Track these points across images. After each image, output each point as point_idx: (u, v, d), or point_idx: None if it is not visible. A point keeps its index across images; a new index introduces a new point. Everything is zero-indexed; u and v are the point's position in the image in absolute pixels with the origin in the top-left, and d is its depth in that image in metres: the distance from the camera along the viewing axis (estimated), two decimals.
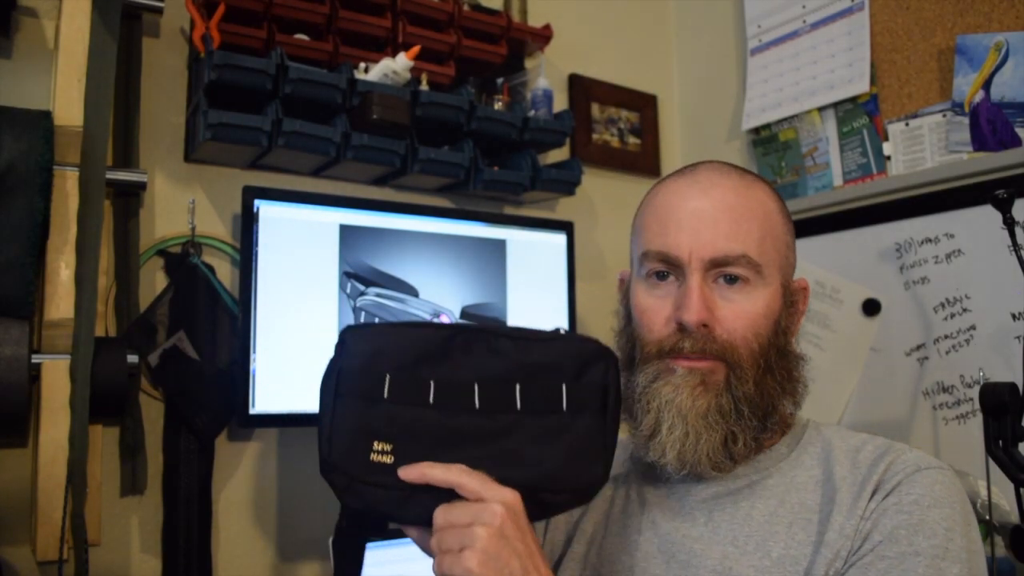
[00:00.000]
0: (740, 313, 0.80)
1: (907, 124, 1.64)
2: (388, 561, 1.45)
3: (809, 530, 0.77)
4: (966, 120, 1.53)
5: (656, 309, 0.82)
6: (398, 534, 1.49)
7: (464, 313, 1.57)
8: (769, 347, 0.81)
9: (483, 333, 0.74)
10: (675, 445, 0.79)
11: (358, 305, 1.47)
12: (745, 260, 0.80)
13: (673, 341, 0.80)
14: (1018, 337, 1.43)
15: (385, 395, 0.72)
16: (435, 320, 1.54)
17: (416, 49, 1.49)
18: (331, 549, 1.42)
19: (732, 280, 0.80)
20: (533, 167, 1.70)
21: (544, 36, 1.76)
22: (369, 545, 1.45)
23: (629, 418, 0.84)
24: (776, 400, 0.82)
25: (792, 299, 0.86)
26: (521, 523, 0.69)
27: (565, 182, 1.74)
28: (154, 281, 1.43)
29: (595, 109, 2.00)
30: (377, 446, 0.71)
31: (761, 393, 0.80)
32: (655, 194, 0.87)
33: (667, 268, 0.83)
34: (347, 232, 1.48)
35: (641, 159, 2.08)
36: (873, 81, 1.70)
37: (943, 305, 1.54)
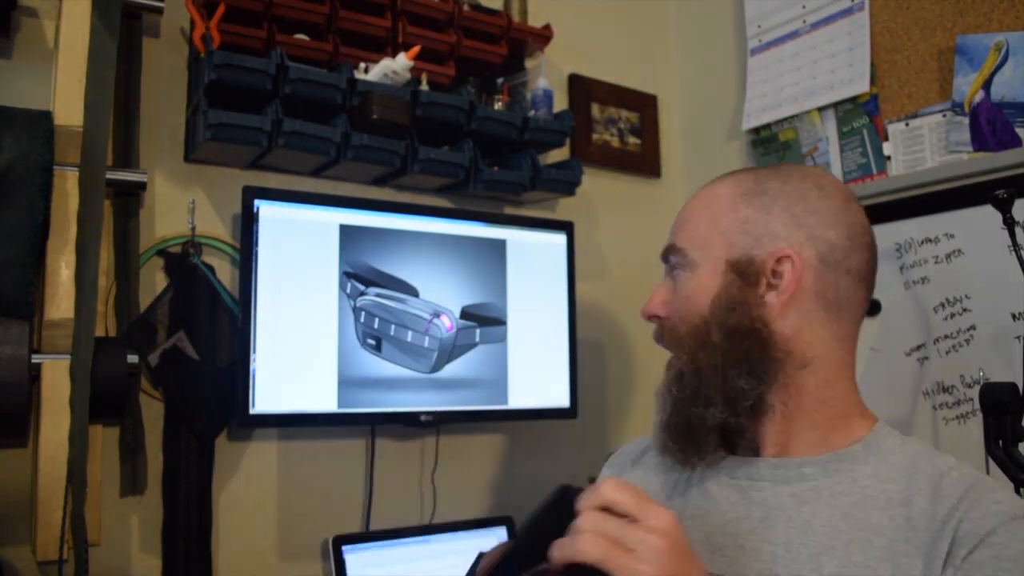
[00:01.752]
0: (679, 297, 0.87)
1: (907, 124, 1.64)
2: (388, 561, 1.45)
3: (869, 553, 0.73)
4: (966, 120, 1.53)
5: None
6: (398, 534, 1.49)
7: (464, 313, 1.57)
8: (704, 324, 0.83)
9: None
10: (653, 430, 0.87)
11: (358, 305, 1.47)
12: (672, 249, 0.88)
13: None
14: (1018, 337, 1.43)
15: None
16: (435, 320, 1.54)
17: (416, 49, 1.49)
18: None
19: (674, 270, 0.88)
20: (533, 167, 1.70)
21: (544, 36, 1.76)
22: (369, 545, 1.46)
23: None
24: (720, 375, 0.81)
25: (755, 271, 0.82)
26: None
27: (565, 182, 1.74)
28: (154, 281, 1.43)
29: (595, 109, 2.00)
30: None
31: (696, 368, 0.82)
32: None
33: None
34: (347, 232, 1.48)
35: (641, 159, 2.07)
36: (873, 81, 1.70)
37: (943, 305, 1.54)
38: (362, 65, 1.51)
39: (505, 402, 1.61)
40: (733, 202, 0.86)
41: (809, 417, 0.82)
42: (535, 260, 1.68)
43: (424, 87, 1.55)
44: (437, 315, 1.55)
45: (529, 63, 1.84)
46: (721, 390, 0.81)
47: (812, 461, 0.81)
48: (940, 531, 0.72)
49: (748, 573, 0.77)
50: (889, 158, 1.67)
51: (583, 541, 0.62)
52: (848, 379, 0.84)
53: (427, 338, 1.53)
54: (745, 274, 0.82)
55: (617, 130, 2.04)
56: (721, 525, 0.82)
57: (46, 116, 1.18)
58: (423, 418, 1.52)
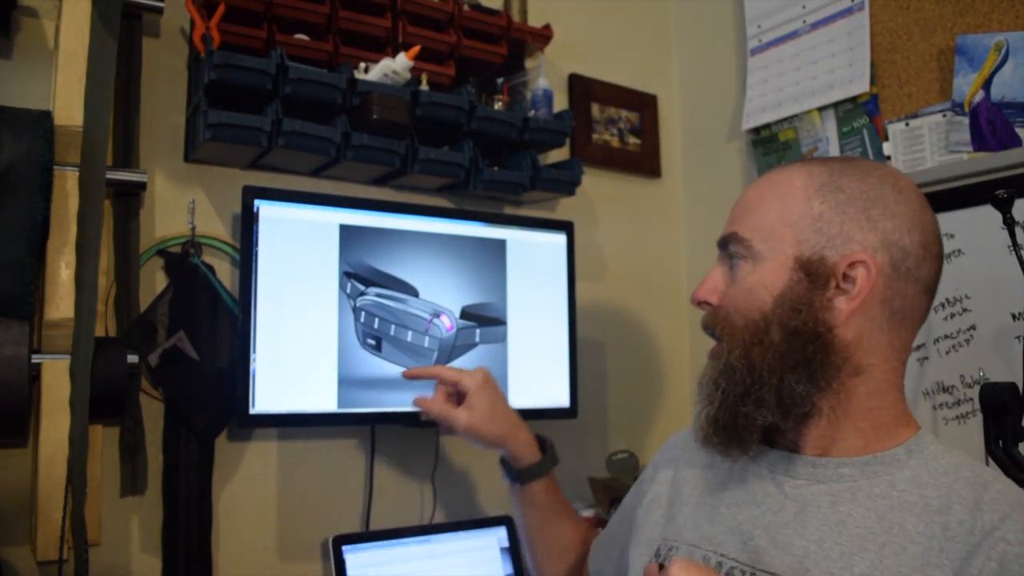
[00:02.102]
0: (736, 288, 0.84)
1: (907, 124, 1.64)
2: (388, 561, 1.45)
3: (901, 559, 0.72)
4: (966, 120, 1.53)
5: None
6: (398, 534, 1.49)
7: (464, 313, 1.57)
8: (763, 321, 0.80)
9: None
10: (695, 419, 0.86)
11: (358, 305, 1.47)
12: (734, 238, 0.85)
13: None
14: (1018, 337, 1.43)
15: None
16: (435, 320, 1.54)
17: (416, 49, 1.49)
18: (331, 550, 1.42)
19: (734, 259, 0.85)
20: (533, 167, 1.70)
21: (544, 36, 1.76)
22: (369, 545, 1.45)
23: None
24: (776, 377, 0.79)
25: (823, 273, 0.80)
26: None
27: (565, 182, 1.74)
28: (154, 281, 1.43)
29: (595, 109, 2.00)
30: None
31: (749, 365, 0.80)
32: None
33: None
34: (347, 232, 1.48)
35: (641, 159, 2.08)
36: (873, 81, 1.70)
37: (943, 305, 1.54)
38: (362, 65, 1.51)
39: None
40: (806, 195, 0.82)
41: (854, 424, 0.81)
42: (535, 260, 1.68)
43: (424, 87, 1.55)
44: (437, 315, 1.55)
45: (529, 63, 1.84)
46: (776, 393, 0.79)
47: (850, 462, 0.80)
48: (978, 546, 0.70)
49: (777, 565, 0.77)
50: (889, 158, 1.67)
51: None
52: (898, 389, 0.83)
53: (427, 338, 1.53)
54: (815, 275, 0.80)
55: (617, 130, 2.04)
56: (755, 516, 0.82)
57: (46, 116, 1.18)
58: (423, 418, 1.52)
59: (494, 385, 1.23)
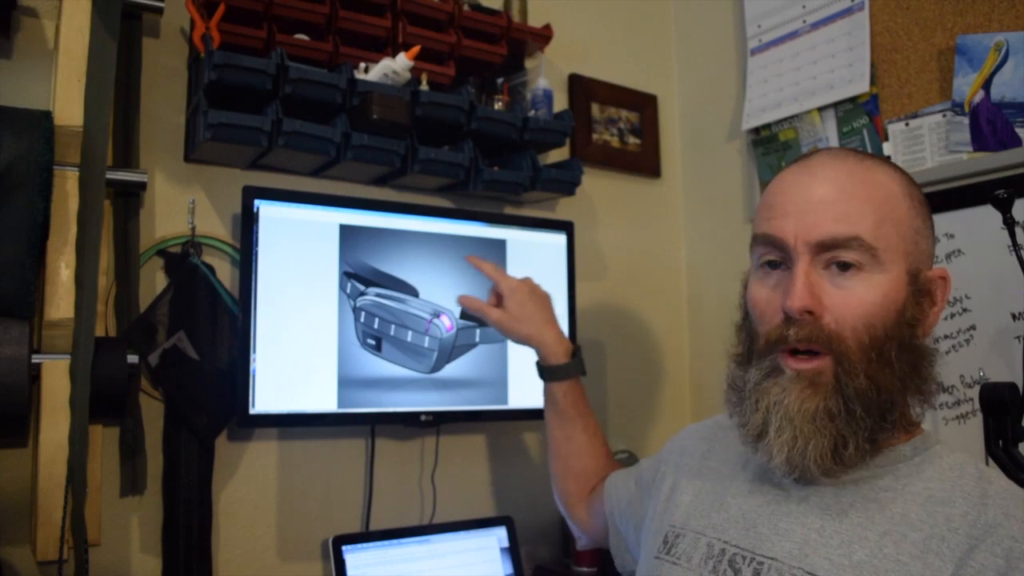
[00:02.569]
0: (852, 301, 0.76)
1: (907, 124, 1.64)
2: (388, 561, 1.45)
3: (901, 547, 0.72)
4: (966, 120, 1.53)
5: (767, 299, 0.81)
6: (398, 534, 1.49)
7: (464, 313, 1.57)
8: (886, 339, 0.76)
9: None
10: (783, 449, 0.76)
11: (358, 305, 1.47)
12: (857, 243, 0.75)
13: (780, 331, 0.77)
14: (1018, 337, 1.43)
15: None
16: (435, 320, 1.54)
17: (416, 49, 1.49)
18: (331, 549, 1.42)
19: (845, 267, 0.76)
20: (533, 167, 1.69)
21: (544, 36, 1.76)
22: (369, 545, 1.45)
23: (737, 413, 0.83)
24: (896, 396, 0.77)
25: (923, 289, 0.79)
26: None
27: (565, 182, 1.74)
28: (154, 281, 1.43)
29: (595, 109, 2.00)
30: None
31: (876, 388, 0.75)
32: (770, 184, 0.85)
33: (776, 255, 0.80)
34: (347, 232, 1.48)
35: (641, 159, 2.08)
36: (873, 81, 1.70)
37: None
38: (362, 65, 1.51)
39: (505, 402, 1.61)
40: (910, 205, 0.80)
41: (882, 425, 0.80)
42: (535, 260, 1.68)
43: (424, 87, 1.55)
44: (437, 315, 1.55)
45: (529, 63, 1.84)
46: (893, 410, 0.77)
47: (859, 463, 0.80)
48: (981, 540, 0.70)
49: (777, 551, 0.78)
50: (889, 158, 1.67)
51: None
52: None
53: (427, 338, 1.53)
54: (921, 290, 0.79)
55: (617, 130, 2.04)
56: (759, 505, 0.83)
57: (46, 116, 1.18)
58: (423, 418, 1.52)
59: (530, 291, 1.33)
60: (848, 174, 0.79)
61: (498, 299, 1.36)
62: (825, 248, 0.76)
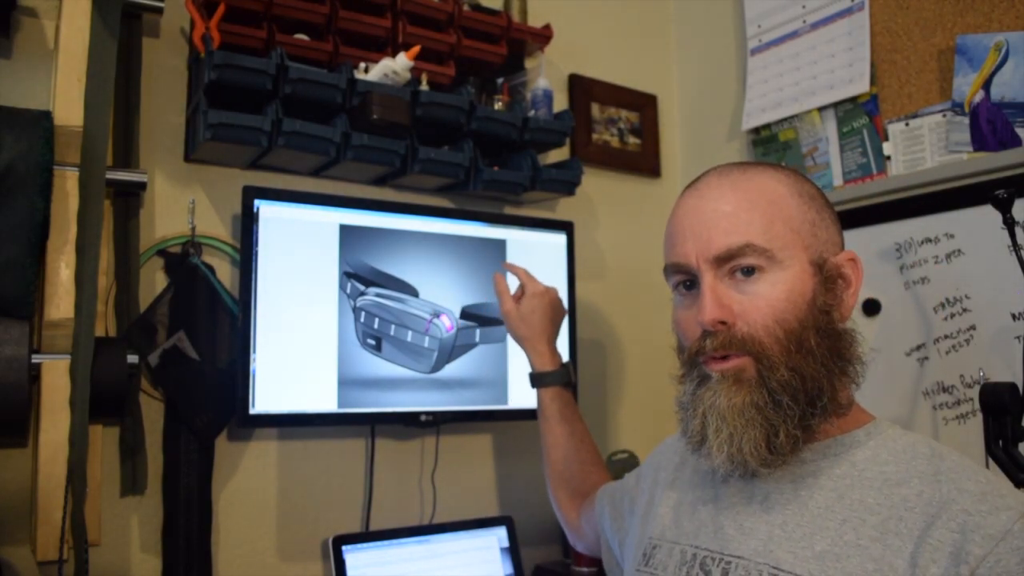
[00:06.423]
0: (760, 303, 0.80)
1: (907, 124, 1.64)
2: (388, 561, 1.45)
3: (860, 531, 0.75)
4: (966, 120, 1.53)
5: (687, 319, 0.85)
6: (398, 534, 1.49)
7: (464, 313, 1.57)
8: (802, 329, 0.80)
9: None
10: (722, 448, 0.80)
11: (358, 305, 1.47)
12: (751, 248, 0.80)
13: (699, 344, 0.82)
14: (1018, 337, 1.43)
15: None
16: (435, 320, 1.54)
17: (416, 49, 1.49)
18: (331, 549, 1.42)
19: (749, 271, 0.81)
20: (533, 167, 1.70)
21: (544, 36, 1.76)
22: (369, 545, 1.45)
23: (683, 427, 0.87)
24: (822, 382, 0.80)
25: (832, 275, 0.84)
26: None
27: (565, 182, 1.74)
28: (154, 281, 1.43)
29: (595, 109, 2.00)
30: None
31: (801, 377, 0.79)
32: (671, 214, 0.89)
33: (686, 278, 0.85)
34: (347, 232, 1.48)
35: (641, 159, 2.08)
36: (873, 81, 1.70)
37: (943, 305, 1.54)
38: (362, 65, 1.51)
39: (505, 402, 1.61)
40: (799, 202, 0.84)
41: (835, 413, 0.84)
42: (535, 260, 1.67)
43: (424, 87, 1.55)
44: (437, 315, 1.55)
45: (529, 63, 1.84)
46: (822, 395, 0.80)
47: (811, 447, 0.83)
48: (936, 516, 0.72)
49: (744, 550, 0.81)
50: (889, 158, 1.67)
51: None
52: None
53: (427, 338, 1.53)
54: (829, 277, 0.83)
55: (617, 130, 2.04)
56: (725, 508, 0.87)
57: (46, 116, 1.18)
58: (423, 418, 1.52)
59: (549, 301, 1.40)
60: (732, 187, 0.84)
61: (521, 297, 1.42)
62: (723, 260, 0.81)
